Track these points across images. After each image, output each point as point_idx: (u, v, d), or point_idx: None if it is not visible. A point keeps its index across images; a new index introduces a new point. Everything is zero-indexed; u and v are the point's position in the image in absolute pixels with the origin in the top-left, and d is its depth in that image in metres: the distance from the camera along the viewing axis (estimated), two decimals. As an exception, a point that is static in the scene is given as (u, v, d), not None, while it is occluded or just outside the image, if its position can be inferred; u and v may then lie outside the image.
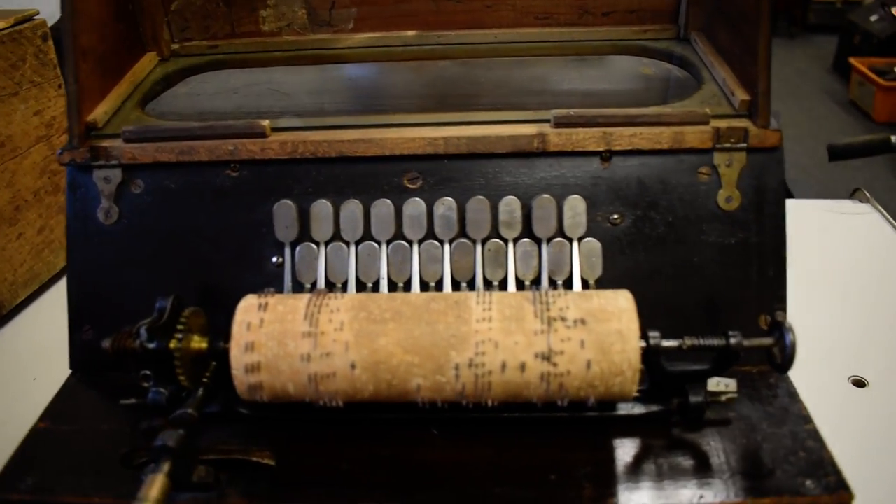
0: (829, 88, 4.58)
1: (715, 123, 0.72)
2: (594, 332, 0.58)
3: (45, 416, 0.70)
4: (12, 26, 0.99)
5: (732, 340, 0.62)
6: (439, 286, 0.71)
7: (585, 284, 0.71)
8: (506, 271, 0.71)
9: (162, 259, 0.75)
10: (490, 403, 0.60)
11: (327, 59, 0.94)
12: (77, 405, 0.72)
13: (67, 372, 0.76)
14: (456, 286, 0.72)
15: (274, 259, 0.74)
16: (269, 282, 0.73)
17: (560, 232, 0.72)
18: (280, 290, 0.72)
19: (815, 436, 0.64)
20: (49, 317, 1.00)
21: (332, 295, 0.63)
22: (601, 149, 0.72)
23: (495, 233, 0.72)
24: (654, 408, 0.66)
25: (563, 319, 0.59)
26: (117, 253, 0.75)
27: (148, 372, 0.63)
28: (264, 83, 0.94)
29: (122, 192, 0.75)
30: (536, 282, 0.71)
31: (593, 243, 0.72)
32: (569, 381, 0.58)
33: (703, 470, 0.61)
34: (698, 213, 0.72)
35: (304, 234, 0.73)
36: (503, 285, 0.71)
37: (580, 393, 0.59)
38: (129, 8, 0.86)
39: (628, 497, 0.59)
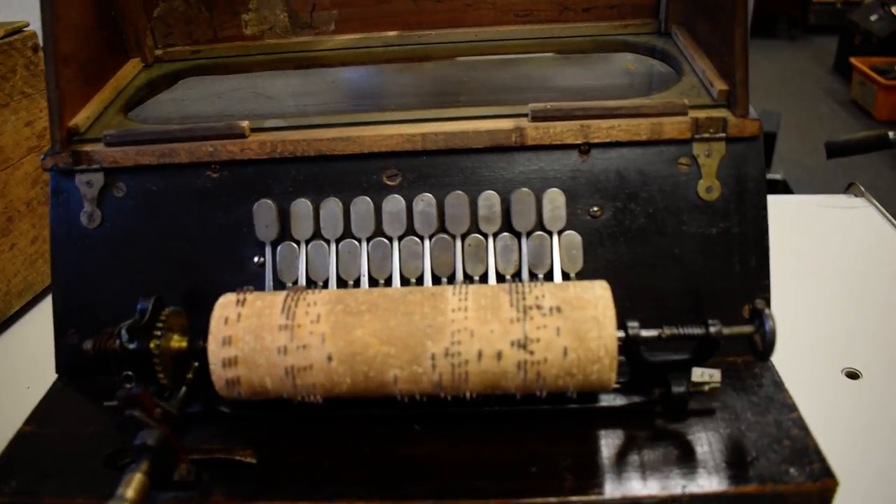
0: (830, 88, 4.57)
1: (693, 114, 0.72)
2: (570, 320, 0.58)
3: (30, 420, 0.70)
4: (2, 38, 1.00)
5: (712, 329, 0.61)
6: (420, 282, 0.71)
7: (566, 277, 0.71)
8: (486, 266, 0.71)
9: (145, 261, 0.75)
10: (469, 396, 0.60)
11: (310, 61, 0.95)
12: (62, 408, 0.72)
13: (60, 380, 0.76)
14: (437, 282, 0.72)
15: (255, 259, 0.74)
16: (250, 281, 0.73)
17: (540, 225, 0.72)
18: (261, 289, 0.72)
19: (800, 424, 0.63)
20: (43, 326, 0.99)
21: (309, 290, 0.63)
22: (579, 141, 0.72)
23: (475, 228, 0.72)
24: (637, 399, 0.65)
25: (539, 307, 0.58)
26: (101, 257, 0.76)
27: (130, 373, 0.63)
28: (248, 87, 0.94)
29: (105, 196, 0.75)
30: (517, 276, 0.71)
31: (573, 236, 0.72)
32: (546, 370, 0.58)
33: (686, 460, 0.61)
34: (679, 203, 0.72)
35: (285, 234, 0.73)
36: (484, 280, 0.71)
37: (558, 382, 0.58)
38: (112, 14, 0.87)
39: (610, 488, 0.59)
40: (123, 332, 0.62)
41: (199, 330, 0.64)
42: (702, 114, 0.72)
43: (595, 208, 0.73)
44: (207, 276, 0.74)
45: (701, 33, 0.84)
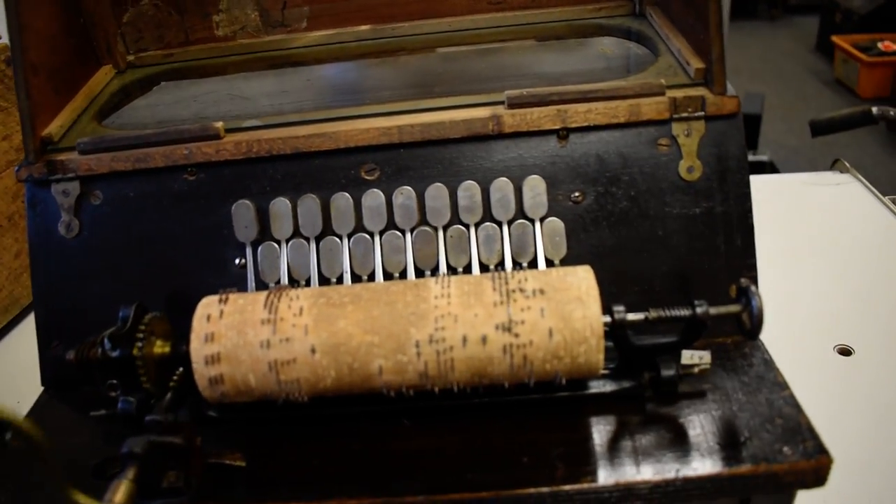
0: (813, 68, 4.58)
1: (671, 94, 0.71)
2: (553, 301, 0.57)
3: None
4: (-26, 51, 0.99)
5: (699, 310, 0.61)
6: (403, 276, 0.71)
7: (550, 264, 0.70)
8: (469, 257, 0.71)
9: (126, 268, 0.74)
10: (456, 387, 0.59)
11: (284, 59, 0.94)
12: (49, 420, 0.71)
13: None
14: (420, 275, 0.71)
15: (237, 260, 0.73)
16: (233, 283, 0.73)
17: (521, 213, 0.71)
18: (244, 290, 0.72)
19: (792, 402, 0.63)
20: (31, 340, 0.99)
21: (292, 288, 0.62)
22: (557, 127, 0.71)
23: (456, 219, 0.72)
24: (626, 384, 0.65)
25: (522, 290, 0.58)
26: (81, 266, 0.75)
27: (114, 381, 0.62)
28: (223, 89, 0.93)
29: (82, 205, 0.74)
30: (501, 265, 0.71)
31: (556, 223, 0.71)
32: (532, 353, 0.57)
33: (679, 443, 0.60)
34: (660, 185, 0.72)
35: (265, 234, 0.73)
36: (467, 271, 0.71)
37: (546, 366, 0.58)
38: (81, 21, 0.86)
39: (603, 475, 0.58)
40: (105, 340, 0.61)
41: (182, 335, 0.64)
42: (679, 93, 0.71)
43: (576, 194, 0.72)
44: (189, 281, 0.73)
45: (676, 12, 0.84)
